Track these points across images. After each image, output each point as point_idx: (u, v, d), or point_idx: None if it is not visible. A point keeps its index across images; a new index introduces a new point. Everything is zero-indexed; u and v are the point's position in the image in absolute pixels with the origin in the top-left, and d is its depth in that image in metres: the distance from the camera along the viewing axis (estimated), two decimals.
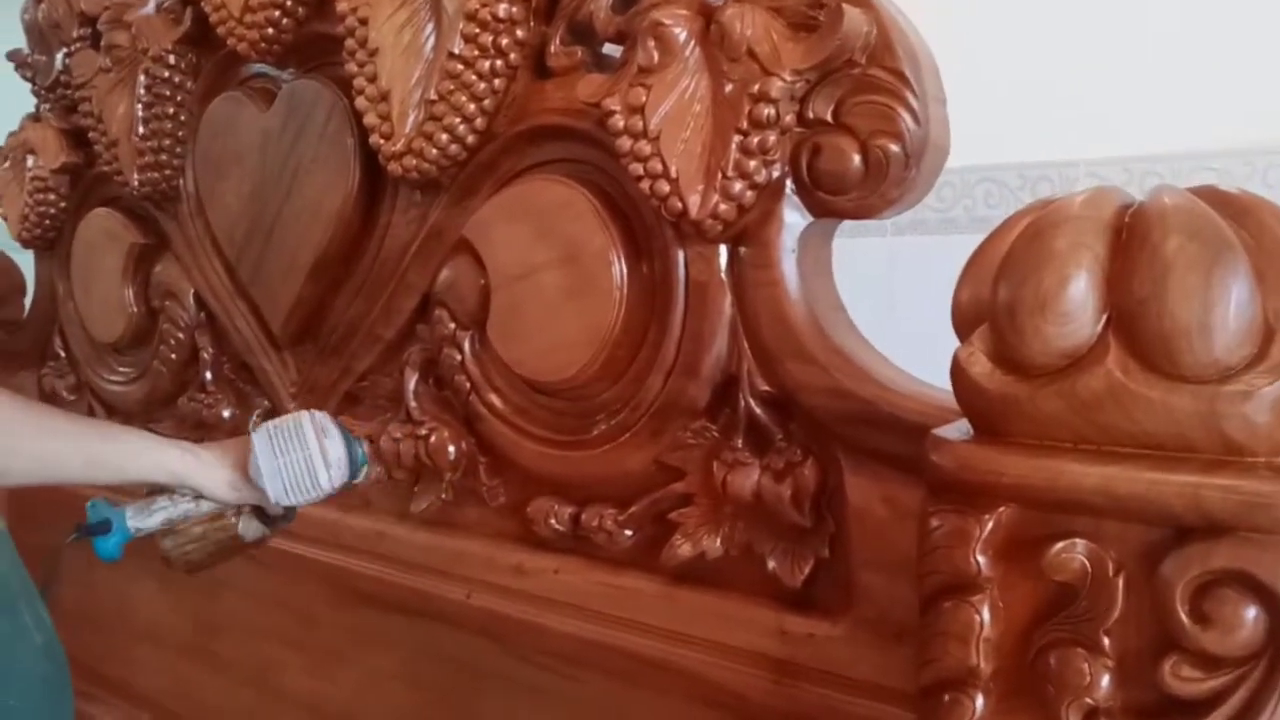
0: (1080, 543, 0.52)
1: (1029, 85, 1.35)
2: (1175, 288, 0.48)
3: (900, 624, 0.72)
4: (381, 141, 0.95)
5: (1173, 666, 0.49)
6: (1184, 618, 0.48)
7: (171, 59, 1.19)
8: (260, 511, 0.88)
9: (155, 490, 0.84)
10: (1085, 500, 0.51)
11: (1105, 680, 0.51)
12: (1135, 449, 0.51)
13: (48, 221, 1.44)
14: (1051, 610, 0.54)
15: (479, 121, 0.90)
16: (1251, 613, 0.47)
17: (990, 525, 0.55)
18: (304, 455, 0.81)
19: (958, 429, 0.59)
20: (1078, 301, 0.51)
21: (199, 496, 0.83)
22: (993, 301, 0.54)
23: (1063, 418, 0.52)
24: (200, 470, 0.82)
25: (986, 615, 0.55)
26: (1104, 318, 0.51)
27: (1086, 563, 0.52)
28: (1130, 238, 0.51)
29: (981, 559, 0.55)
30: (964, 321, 0.60)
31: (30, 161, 1.43)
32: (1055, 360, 0.52)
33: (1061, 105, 1.34)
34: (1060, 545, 0.53)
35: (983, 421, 0.56)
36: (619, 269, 0.83)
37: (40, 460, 0.79)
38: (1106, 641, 0.51)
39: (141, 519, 0.83)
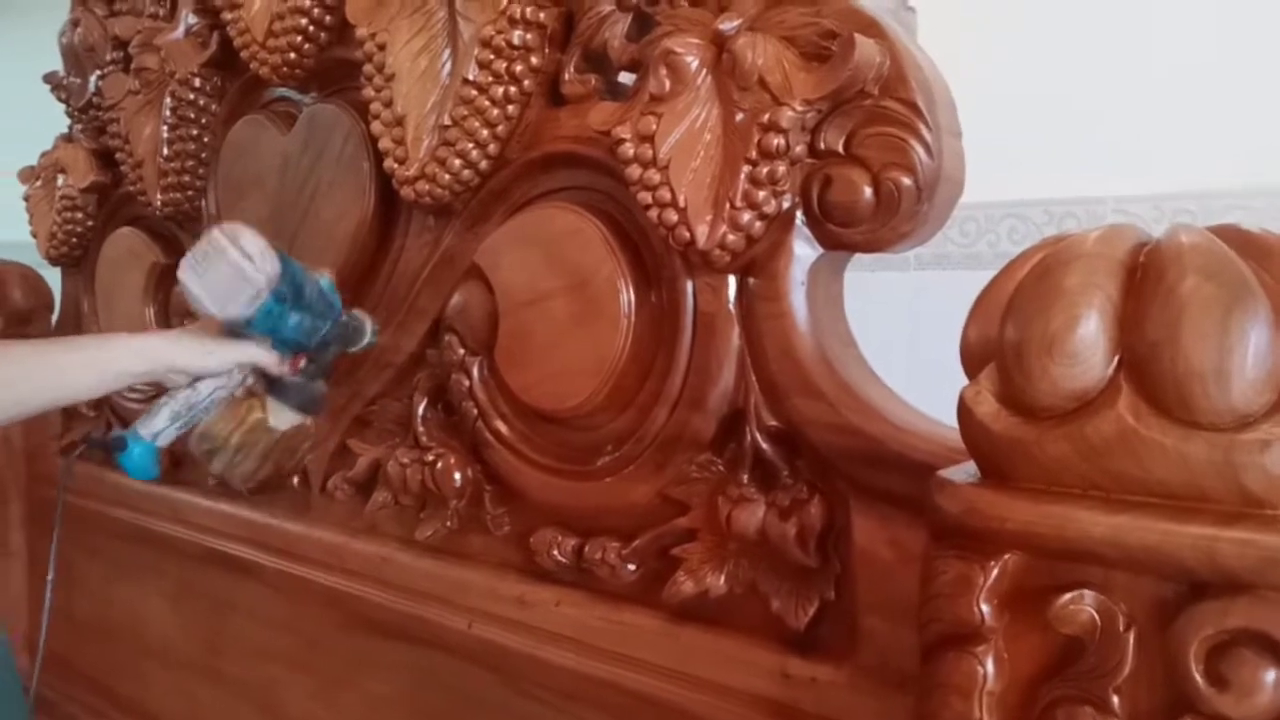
0: (1089, 594, 0.50)
1: (1055, 119, 1.33)
2: (1190, 330, 0.46)
3: (903, 672, 0.69)
4: (396, 166, 0.95)
5: None
6: (1199, 679, 0.46)
7: (197, 81, 1.21)
8: (276, 387, 0.84)
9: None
10: (1094, 550, 0.49)
11: None
12: (1146, 498, 0.48)
13: (74, 240, 1.46)
14: (1059, 664, 0.51)
15: (492, 147, 0.90)
16: (1271, 676, 0.44)
17: (995, 573, 0.52)
18: (224, 260, 0.77)
19: (964, 471, 0.57)
20: (1088, 342, 0.49)
21: (193, 381, 0.81)
22: (1000, 340, 0.53)
23: (1071, 463, 0.50)
24: (168, 344, 0.80)
25: (990, 667, 0.53)
26: (1115, 360, 0.49)
27: (1095, 615, 0.50)
28: (1145, 277, 0.50)
29: (985, 608, 0.53)
30: (972, 360, 0.58)
31: (60, 180, 1.45)
32: (1063, 402, 0.50)
33: (1089, 140, 1.31)
34: (1068, 596, 0.50)
35: (989, 464, 0.54)
36: (627, 297, 0.82)
37: (9, 385, 0.75)
38: (1116, 700, 0.49)
39: (149, 424, 0.81)
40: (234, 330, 0.81)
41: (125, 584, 1.47)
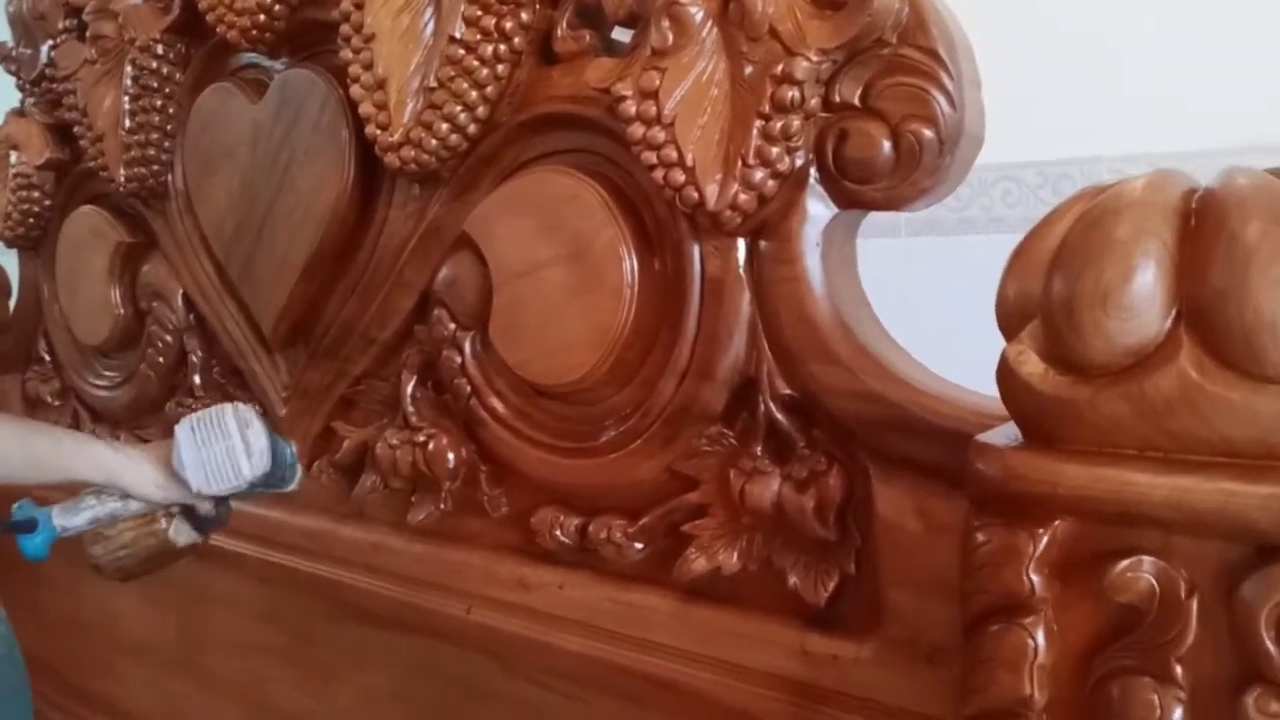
0: (1147, 560, 0.48)
1: (1048, 78, 1.30)
2: (1259, 277, 0.43)
3: (933, 645, 0.67)
4: (378, 132, 0.90)
5: (1257, 700, 0.44)
6: (1270, 646, 0.44)
7: (159, 49, 1.14)
8: (191, 513, 0.86)
9: (86, 492, 0.84)
10: (1153, 514, 0.47)
11: (1178, 713, 0.46)
12: (1210, 457, 0.46)
13: (32, 220, 1.39)
14: (1113, 634, 0.49)
15: (481, 110, 0.85)
16: None
17: (1045, 541, 0.50)
18: (226, 445, 0.81)
19: (1004, 435, 0.54)
20: (1144, 294, 0.46)
21: (127, 496, 0.83)
22: (1046, 295, 0.50)
23: (1127, 423, 0.48)
24: (128, 468, 0.82)
25: (1041, 639, 0.50)
26: (1174, 312, 0.47)
27: (1155, 583, 0.47)
28: (1202, 224, 0.47)
29: (1035, 578, 0.50)
30: (1010, 318, 0.55)
31: (14, 158, 1.38)
32: (1119, 359, 0.47)
33: (1082, 99, 1.29)
34: (1125, 564, 0.48)
35: (1034, 426, 0.52)
36: (629, 265, 0.78)
37: None
38: (1179, 670, 0.46)
39: (68, 518, 0.82)
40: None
41: (94, 578, 1.41)
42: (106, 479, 0.82)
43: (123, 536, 0.86)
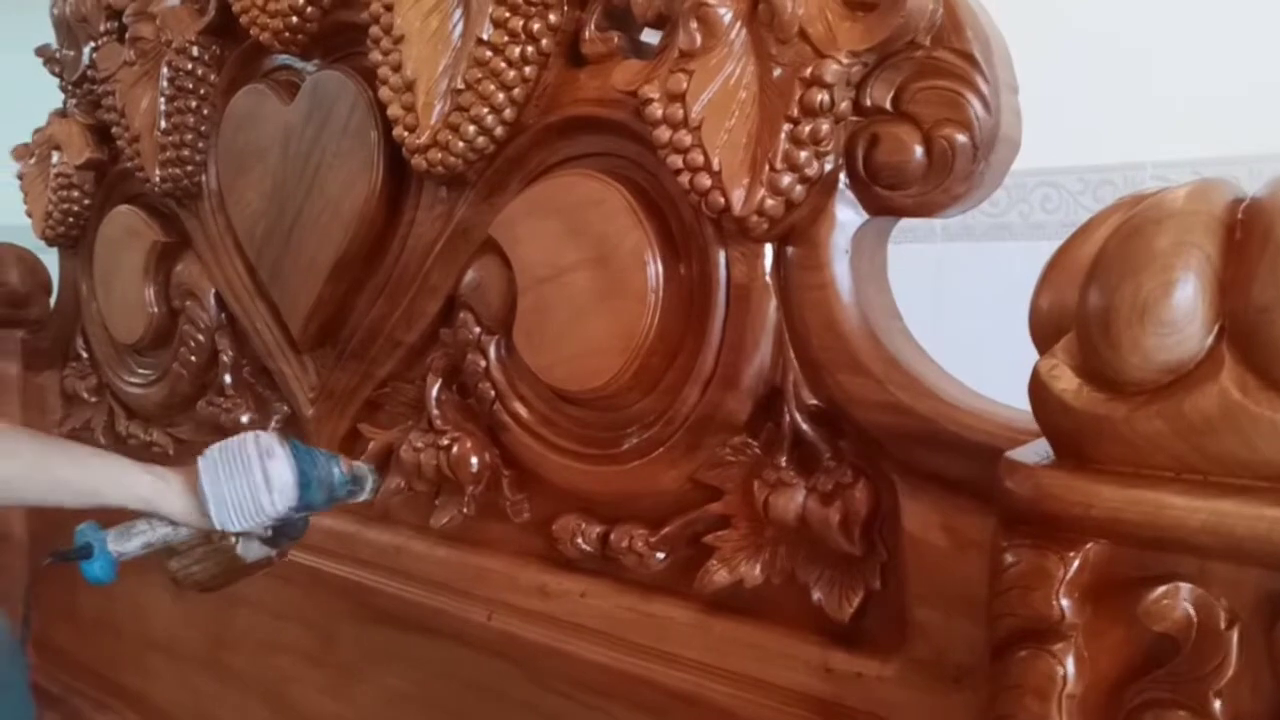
0: (1184, 587, 0.46)
1: (1090, 82, 1.27)
2: None
3: (959, 665, 0.65)
4: (406, 134, 0.90)
5: None
6: None
7: (195, 50, 1.15)
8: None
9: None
10: (1191, 539, 0.44)
11: None
12: (1252, 480, 0.44)
13: (71, 219, 1.41)
14: (1147, 665, 0.47)
15: (508, 112, 0.85)
16: None
17: (1076, 564, 0.48)
18: (248, 479, 0.76)
19: (1035, 452, 0.52)
20: (1185, 309, 0.44)
21: (177, 525, 0.79)
22: (1081, 308, 0.48)
23: (1164, 442, 0.45)
24: (168, 496, 0.78)
25: (1070, 667, 0.48)
26: (1216, 328, 0.44)
27: (1192, 611, 0.45)
28: (1247, 236, 0.45)
29: (1065, 602, 0.48)
30: (1044, 330, 0.53)
31: (55, 158, 1.40)
32: (1156, 376, 0.45)
33: (1125, 104, 1.26)
34: (1161, 590, 0.46)
35: (1067, 444, 0.50)
36: (654, 270, 0.77)
37: (6, 483, 0.76)
38: (1217, 705, 0.44)
39: (122, 543, 0.79)
40: None
41: (127, 576, 1.43)
42: (143, 507, 0.79)
43: (194, 551, 0.84)
